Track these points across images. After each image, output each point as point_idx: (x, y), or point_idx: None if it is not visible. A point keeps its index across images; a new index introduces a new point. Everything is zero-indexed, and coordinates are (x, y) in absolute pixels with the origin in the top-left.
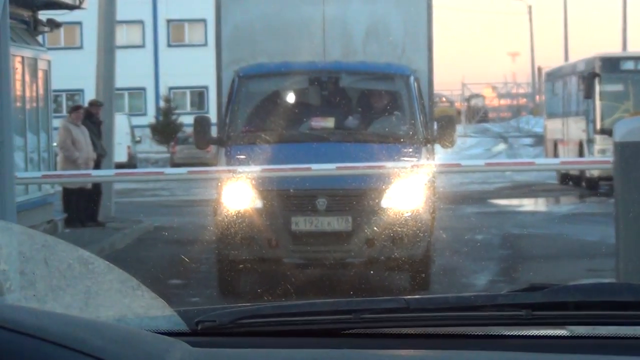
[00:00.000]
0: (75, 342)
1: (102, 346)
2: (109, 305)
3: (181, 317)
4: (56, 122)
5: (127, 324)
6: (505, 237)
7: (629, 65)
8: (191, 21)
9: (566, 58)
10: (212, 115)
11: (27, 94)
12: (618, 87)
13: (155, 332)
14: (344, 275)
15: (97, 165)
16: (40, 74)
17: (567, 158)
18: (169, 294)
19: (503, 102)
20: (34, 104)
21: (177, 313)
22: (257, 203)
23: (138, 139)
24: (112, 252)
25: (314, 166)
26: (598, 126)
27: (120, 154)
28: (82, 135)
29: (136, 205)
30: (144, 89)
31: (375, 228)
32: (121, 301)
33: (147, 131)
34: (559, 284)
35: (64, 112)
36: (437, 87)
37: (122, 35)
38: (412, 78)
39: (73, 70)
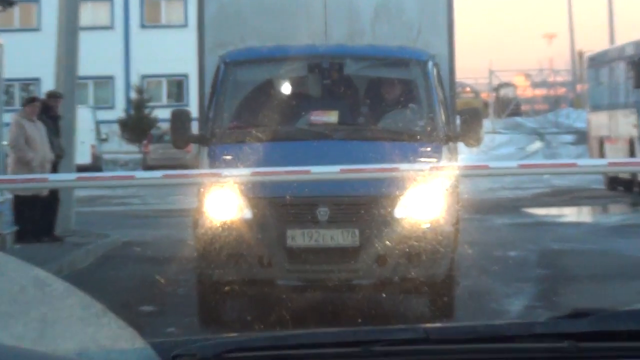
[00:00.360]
0: None
1: None
2: (69, 336)
3: (155, 350)
4: (7, 117)
5: (91, 359)
6: (543, 254)
7: None
8: None
9: (612, 40)
10: (193, 109)
11: None
12: None
13: None
14: (351, 300)
15: (55, 168)
16: None
17: (616, 159)
18: (140, 322)
19: (538, 92)
20: None
21: (150, 345)
22: (246, 213)
23: (104, 136)
24: (72, 272)
25: (314, 169)
26: None
27: (83, 155)
28: (38, 132)
29: (101, 215)
30: (112, 77)
31: (387, 243)
32: (83, 331)
33: (116, 127)
34: (608, 310)
35: (17, 106)
36: (460, 75)
37: (87, 14)
38: (429, 64)
39: (29, 55)
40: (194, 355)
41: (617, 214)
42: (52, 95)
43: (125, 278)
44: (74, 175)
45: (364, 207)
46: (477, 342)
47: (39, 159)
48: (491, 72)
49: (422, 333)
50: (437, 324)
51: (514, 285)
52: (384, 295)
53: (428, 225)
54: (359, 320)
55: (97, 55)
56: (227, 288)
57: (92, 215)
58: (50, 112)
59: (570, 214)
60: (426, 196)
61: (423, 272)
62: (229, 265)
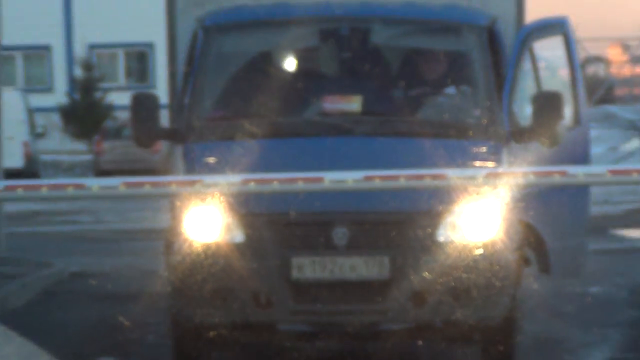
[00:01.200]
0: None
1: None
2: None
3: None
4: None
5: None
6: (636, 290)
7: None
8: None
9: None
10: (162, 93)
11: None
12: None
13: None
14: (378, 350)
15: None
16: None
17: None
18: None
19: (638, 69)
20: None
21: None
22: (237, 235)
23: (41, 130)
24: (4, 312)
25: (329, 175)
26: None
27: (12, 156)
28: None
29: (40, 238)
30: (48, 47)
31: (426, 274)
32: None
33: (56, 118)
34: None
35: None
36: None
37: None
38: (489, 30)
39: None
40: None
41: None
42: None
43: (76, 320)
44: (1, 184)
45: (395, 227)
46: None
47: None
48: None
49: None
50: None
51: (595, 332)
52: (421, 343)
53: (481, 252)
54: None
55: (29, 20)
56: (212, 334)
57: (27, 238)
58: None
59: None
60: (480, 213)
61: (474, 313)
62: (215, 303)
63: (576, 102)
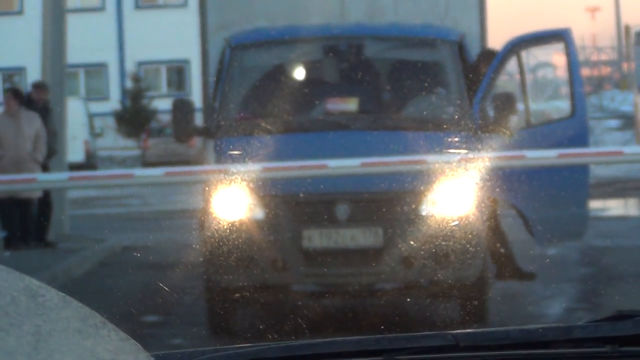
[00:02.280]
0: None
1: None
2: (65, 350)
3: None
4: None
5: None
6: (584, 251)
7: None
8: None
9: None
10: (196, 99)
11: None
12: None
13: None
14: (373, 305)
15: (45, 168)
16: None
17: None
18: (143, 333)
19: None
20: None
21: (155, 358)
22: (257, 213)
23: (99, 131)
24: (67, 280)
25: (332, 162)
26: None
27: (75, 152)
28: (11, 128)
29: (97, 219)
30: (104, 65)
31: (412, 243)
32: (81, 344)
33: (111, 121)
34: None
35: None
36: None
37: None
38: (459, 44)
39: (11, 42)
40: None
41: None
42: (35, 86)
43: (125, 286)
44: (66, 175)
45: (387, 204)
46: (510, 348)
47: (9, 157)
48: (527, 51)
49: (450, 340)
50: (468, 330)
51: (552, 286)
52: (409, 299)
53: (457, 223)
54: (382, 328)
55: (88, 41)
56: (237, 295)
57: (87, 219)
58: (34, 105)
59: (615, 207)
60: (455, 191)
61: (452, 274)
62: (239, 270)
63: (572, 96)
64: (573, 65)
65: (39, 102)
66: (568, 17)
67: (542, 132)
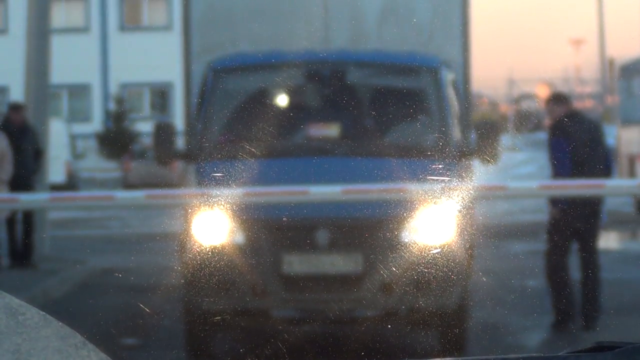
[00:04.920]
0: None
1: None
2: None
3: None
4: None
5: None
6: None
7: None
8: None
9: None
10: (179, 122)
11: None
12: None
13: None
14: (353, 333)
15: (26, 187)
16: None
17: None
18: (123, 355)
19: None
20: None
21: None
22: (238, 237)
23: (81, 152)
24: (46, 301)
25: (313, 188)
26: None
27: (56, 173)
28: None
29: (78, 240)
30: (88, 86)
31: (393, 269)
32: None
33: (93, 142)
34: (635, 343)
35: None
36: (477, 85)
37: (60, 15)
38: (442, 72)
39: None
40: None
41: None
42: (13, 107)
43: (105, 308)
44: (47, 195)
45: (368, 230)
46: None
47: None
48: (511, 82)
49: None
50: (448, 359)
51: (531, 317)
52: (389, 327)
53: (438, 251)
54: (362, 355)
55: (72, 61)
56: (217, 318)
57: (67, 240)
58: (12, 125)
59: None
60: (437, 219)
61: (433, 301)
62: (219, 293)
63: None
64: None
65: (16, 122)
66: (551, 49)
67: None
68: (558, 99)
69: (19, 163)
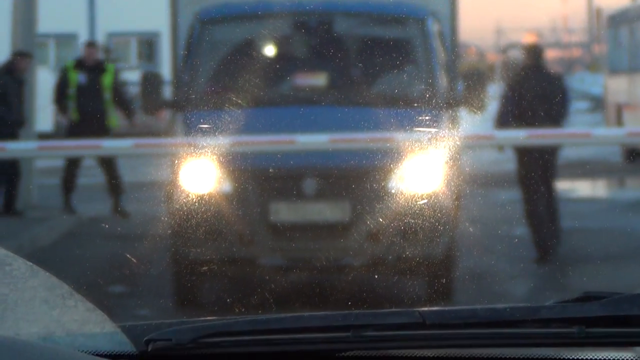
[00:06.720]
0: None
1: None
2: (32, 319)
3: (126, 335)
4: None
5: (56, 344)
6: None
7: None
8: None
9: None
10: (166, 72)
11: None
12: None
13: (93, 354)
14: (340, 281)
15: (14, 136)
16: None
17: (636, 128)
18: (110, 304)
19: (550, 53)
20: None
21: (120, 329)
22: (225, 186)
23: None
24: (34, 250)
25: (300, 137)
26: None
27: (44, 121)
28: None
29: None
30: (75, 35)
31: (380, 219)
32: (48, 314)
33: None
34: (621, 293)
35: None
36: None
37: None
38: (429, 21)
39: None
40: (169, 340)
41: (635, 189)
42: (21, 55)
43: (92, 257)
44: (34, 144)
45: (355, 179)
46: (477, 327)
47: None
48: (498, 31)
49: (417, 317)
50: (434, 308)
51: (519, 266)
52: (376, 276)
53: (425, 200)
54: (349, 304)
55: (59, 11)
56: (204, 268)
57: (54, 188)
58: (15, 74)
59: (583, 188)
60: (424, 168)
61: (419, 251)
62: (207, 243)
63: None
64: None
65: (20, 72)
66: None
67: None
68: (528, 49)
69: (16, 113)
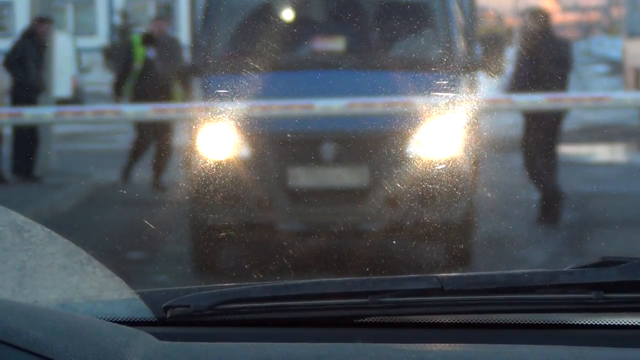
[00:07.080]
0: (6, 333)
1: (42, 338)
2: (50, 286)
3: (144, 302)
4: None
5: (75, 310)
6: (570, 197)
7: None
8: None
9: None
10: (184, 36)
11: None
12: None
13: (111, 321)
14: (358, 247)
15: (32, 102)
16: None
17: None
18: (128, 270)
19: (569, 17)
20: None
21: (139, 296)
22: (244, 151)
23: (86, 66)
24: (52, 216)
25: (318, 102)
26: None
27: (62, 87)
28: None
29: (84, 154)
30: (92, 0)
31: (398, 184)
32: (66, 280)
33: (98, 56)
34: None
35: None
36: None
37: None
38: None
39: None
40: (187, 307)
41: None
42: (42, 20)
43: (111, 223)
44: (53, 110)
45: (373, 144)
46: (495, 293)
47: None
48: None
49: (435, 283)
50: (453, 274)
51: (537, 231)
52: (394, 241)
53: (443, 165)
54: (367, 269)
55: None
56: (222, 234)
57: (73, 154)
58: (36, 38)
59: (602, 153)
60: (442, 133)
61: (437, 216)
62: (225, 208)
63: None
64: None
65: (41, 37)
66: None
67: None
68: (534, 14)
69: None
